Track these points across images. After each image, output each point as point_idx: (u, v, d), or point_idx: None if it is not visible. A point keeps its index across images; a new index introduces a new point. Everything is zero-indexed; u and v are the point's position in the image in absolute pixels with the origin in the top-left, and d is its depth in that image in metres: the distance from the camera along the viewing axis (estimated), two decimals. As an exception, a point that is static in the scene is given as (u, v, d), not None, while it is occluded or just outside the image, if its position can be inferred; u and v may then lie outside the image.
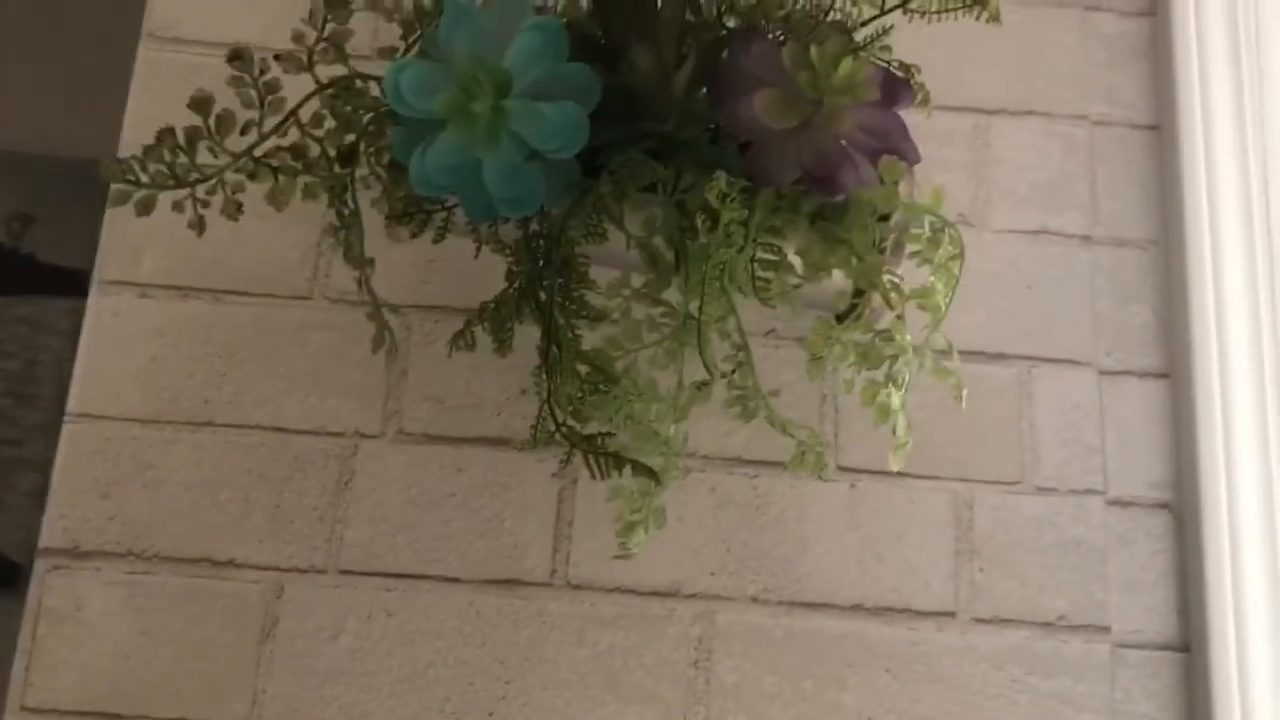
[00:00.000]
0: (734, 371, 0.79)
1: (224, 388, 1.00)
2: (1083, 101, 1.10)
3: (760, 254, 0.82)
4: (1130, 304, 1.06)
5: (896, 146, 0.84)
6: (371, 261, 0.86)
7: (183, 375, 1.00)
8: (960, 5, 0.85)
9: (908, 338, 0.75)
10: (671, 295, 0.84)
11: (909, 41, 0.89)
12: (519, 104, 0.81)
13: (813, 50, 0.81)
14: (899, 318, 0.77)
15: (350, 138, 0.85)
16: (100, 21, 1.67)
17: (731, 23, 0.88)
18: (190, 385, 1.00)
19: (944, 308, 0.77)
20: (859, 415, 1.01)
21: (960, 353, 0.82)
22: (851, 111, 0.82)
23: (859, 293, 0.88)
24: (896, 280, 0.78)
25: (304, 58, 0.85)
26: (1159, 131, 1.10)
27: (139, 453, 0.98)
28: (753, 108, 0.81)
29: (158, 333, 1.01)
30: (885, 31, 0.85)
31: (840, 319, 0.89)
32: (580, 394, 0.82)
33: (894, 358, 0.76)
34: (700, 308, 0.76)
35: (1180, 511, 1.01)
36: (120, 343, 1.01)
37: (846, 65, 0.80)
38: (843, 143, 0.83)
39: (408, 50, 0.87)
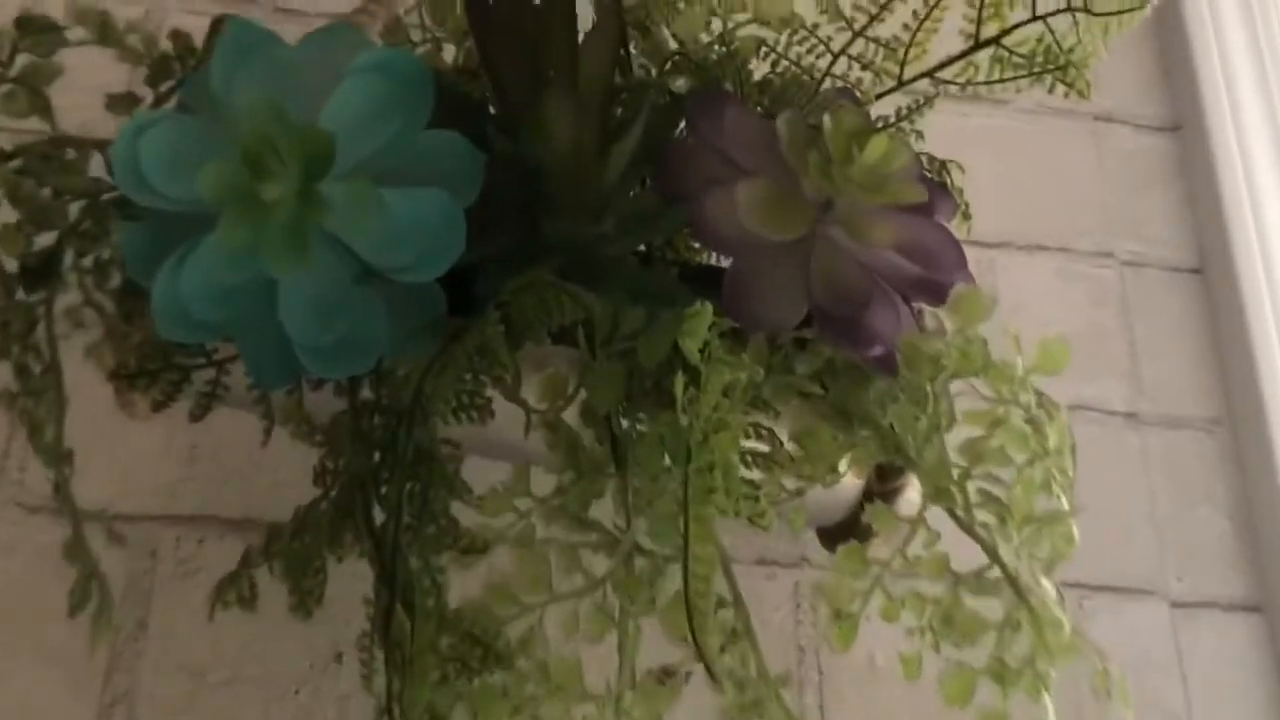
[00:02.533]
0: (723, 650, 0.45)
1: None
2: (1106, 235, 0.84)
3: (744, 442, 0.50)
4: (1199, 507, 0.78)
5: (946, 276, 0.54)
6: (69, 456, 0.49)
7: None
8: (1028, 74, 0.56)
9: (1049, 588, 0.43)
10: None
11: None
12: (345, 189, 0.47)
13: (825, 121, 0.51)
14: (999, 557, 0.45)
15: (48, 241, 0.50)
16: None
17: (678, 87, 0.58)
18: None
19: (1076, 537, 0.46)
20: (851, 674, 0.68)
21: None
22: (883, 218, 0.52)
23: (884, 492, 0.57)
24: (992, 489, 0.47)
25: (-26, 108, 0.50)
26: (1204, 276, 0.84)
27: None
28: (734, 205, 0.50)
29: None
30: (925, 103, 0.55)
31: (851, 536, 0.58)
32: (445, 683, 0.47)
33: (1010, 628, 0.44)
34: (687, 544, 0.42)
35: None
36: None
37: (878, 145, 0.50)
38: (863, 264, 0.53)
39: (157, 104, 0.53)
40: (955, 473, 0.47)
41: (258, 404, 0.53)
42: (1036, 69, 0.57)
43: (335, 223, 0.48)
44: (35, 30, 0.52)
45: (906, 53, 0.58)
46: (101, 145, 0.51)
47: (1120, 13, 0.52)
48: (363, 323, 0.49)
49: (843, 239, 0.52)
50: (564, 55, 0.52)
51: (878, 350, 0.51)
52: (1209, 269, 0.84)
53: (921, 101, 0.56)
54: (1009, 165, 0.84)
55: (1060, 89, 0.57)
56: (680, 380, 0.43)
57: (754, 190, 0.51)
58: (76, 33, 0.54)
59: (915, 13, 0.58)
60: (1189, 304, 0.83)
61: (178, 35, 0.52)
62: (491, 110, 0.55)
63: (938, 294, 0.54)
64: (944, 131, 0.63)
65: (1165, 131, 0.89)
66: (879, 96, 0.59)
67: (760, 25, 0.56)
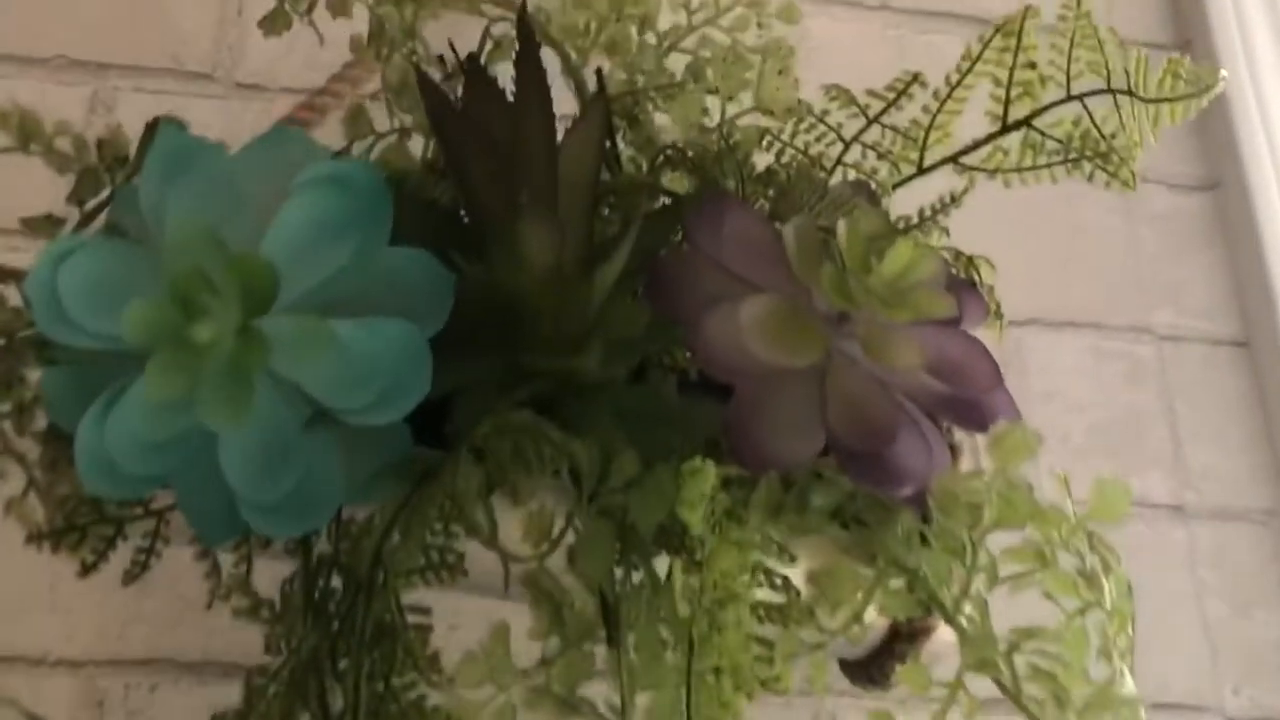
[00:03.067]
0: None
1: None
2: (1141, 308, 0.78)
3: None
4: (1255, 609, 0.71)
5: (979, 395, 0.47)
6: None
7: None
8: (1064, 160, 0.50)
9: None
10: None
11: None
12: (292, 324, 0.41)
13: (840, 228, 0.45)
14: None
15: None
16: None
17: (673, 182, 0.52)
18: None
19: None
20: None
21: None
22: (907, 335, 0.46)
23: (913, 631, 0.51)
24: (1042, 662, 0.40)
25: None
26: (1250, 349, 0.78)
27: None
28: (737, 328, 0.44)
29: None
30: (952, 201, 0.49)
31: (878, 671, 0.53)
32: None
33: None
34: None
35: None
36: None
37: (900, 254, 0.44)
38: (886, 387, 0.47)
39: (85, 223, 0.47)
40: (1002, 644, 0.41)
41: (201, 556, 0.47)
42: (1074, 155, 0.51)
43: (281, 363, 0.42)
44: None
45: (927, 136, 0.52)
46: (20, 275, 0.45)
47: (1174, 100, 0.46)
48: (316, 473, 0.43)
49: (862, 359, 0.45)
50: (541, 159, 0.46)
51: (906, 490, 0.45)
52: (1255, 340, 0.78)
53: (948, 200, 0.49)
54: (1032, 232, 0.78)
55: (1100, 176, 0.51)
56: (679, 568, 0.37)
57: (759, 309, 0.45)
58: (-3, 139, 0.48)
59: (936, 92, 0.52)
60: (1235, 380, 0.77)
61: (104, 144, 0.46)
62: (462, 214, 0.49)
63: (970, 415, 0.48)
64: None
65: (1202, 190, 0.83)
66: (897, 186, 0.52)
67: (763, 114, 0.50)
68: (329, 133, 0.61)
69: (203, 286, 0.41)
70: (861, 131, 0.51)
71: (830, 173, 0.52)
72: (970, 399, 0.47)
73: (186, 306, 0.41)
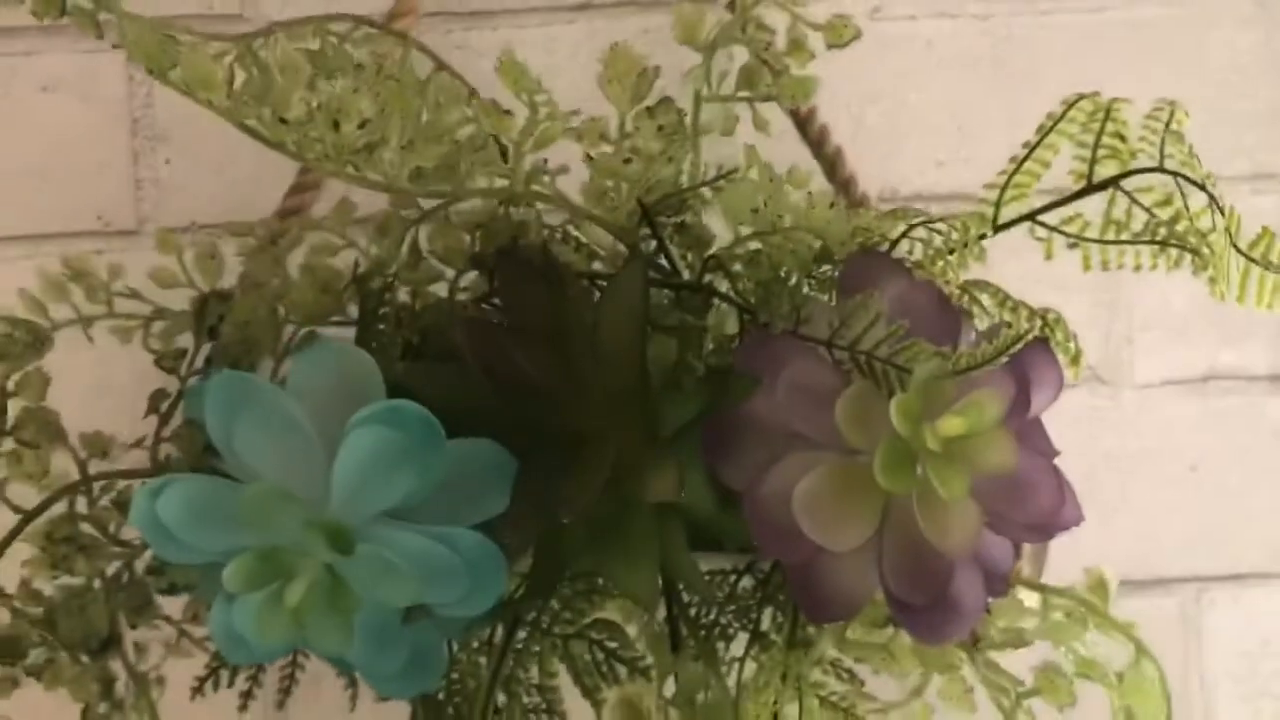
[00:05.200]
0: None
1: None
2: (1268, 147, 0.71)
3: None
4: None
5: (1044, 517, 0.48)
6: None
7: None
8: (1150, 241, 0.47)
9: None
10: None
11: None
12: (370, 563, 0.45)
13: (894, 404, 0.44)
14: None
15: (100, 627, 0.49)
16: None
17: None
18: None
19: None
20: None
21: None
22: (967, 508, 0.46)
23: None
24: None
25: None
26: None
27: None
28: (792, 513, 0.45)
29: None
30: (1017, 343, 0.45)
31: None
32: None
33: None
34: None
35: None
36: None
37: (955, 424, 0.44)
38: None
39: (158, 442, 0.49)
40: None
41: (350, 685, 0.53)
42: (1161, 235, 0.46)
43: (371, 593, 0.46)
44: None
45: (1002, 194, 0.48)
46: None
47: (1267, 268, 0.41)
48: (423, 647, 0.49)
49: (922, 521, 0.46)
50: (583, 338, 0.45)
51: (960, 636, 0.48)
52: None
53: (1016, 340, 0.46)
54: (1147, 65, 0.70)
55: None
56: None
57: (818, 485, 0.45)
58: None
59: (1013, 159, 0.47)
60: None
61: (162, 358, 0.47)
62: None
63: (1034, 532, 0.49)
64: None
65: None
66: (963, 244, 0.49)
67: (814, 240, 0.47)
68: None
69: (286, 555, 0.44)
70: (923, 223, 0.48)
71: (895, 244, 0.49)
72: (1034, 521, 0.48)
73: (275, 568, 0.44)
